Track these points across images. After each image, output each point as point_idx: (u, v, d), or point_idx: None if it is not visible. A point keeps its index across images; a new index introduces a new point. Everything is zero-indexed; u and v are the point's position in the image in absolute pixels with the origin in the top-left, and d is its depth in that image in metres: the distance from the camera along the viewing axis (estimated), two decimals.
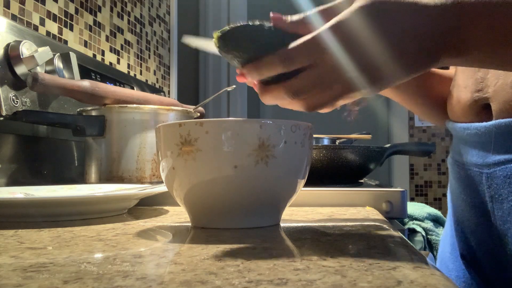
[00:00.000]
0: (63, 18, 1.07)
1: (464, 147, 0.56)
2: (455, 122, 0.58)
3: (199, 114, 0.87)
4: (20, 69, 0.78)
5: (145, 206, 0.63)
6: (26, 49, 0.79)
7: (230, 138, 0.39)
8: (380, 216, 0.51)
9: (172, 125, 0.41)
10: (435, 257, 1.35)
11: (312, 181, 0.53)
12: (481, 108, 0.52)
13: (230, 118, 0.41)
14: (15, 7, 0.90)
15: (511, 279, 0.50)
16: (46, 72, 0.86)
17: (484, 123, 0.51)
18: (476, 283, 0.56)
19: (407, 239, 0.38)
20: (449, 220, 0.65)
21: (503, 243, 0.50)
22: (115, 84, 1.09)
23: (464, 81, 0.55)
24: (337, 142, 1.11)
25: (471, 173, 0.54)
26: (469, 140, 0.55)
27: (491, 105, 0.50)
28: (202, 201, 0.41)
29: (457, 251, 0.60)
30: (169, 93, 1.76)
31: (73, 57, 0.90)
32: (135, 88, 1.22)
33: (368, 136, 1.14)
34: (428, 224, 1.55)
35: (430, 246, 1.52)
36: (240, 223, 0.42)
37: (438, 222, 1.64)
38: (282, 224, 0.44)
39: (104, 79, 1.06)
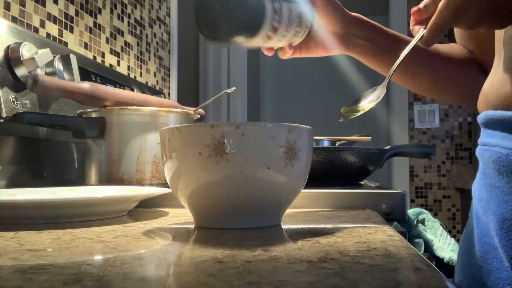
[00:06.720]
0: (63, 20, 1.07)
1: None
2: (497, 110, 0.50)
3: (199, 116, 0.87)
4: (20, 71, 0.78)
5: (145, 208, 0.62)
6: (26, 51, 0.79)
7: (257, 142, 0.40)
8: (380, 218, 0.51)
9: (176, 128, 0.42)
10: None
11: (312, 183, 0.53)
12: None
13: (233, 121, 0.42)
14: (15, 9, 0.90)
15: None
16: (46, 74, 0.86)
17: None
18: None
19: (407, 241, 0.37)
20: (477, 230, 0.53)
21: None
22: (115, 86, 1.09)
23: None
24: (337, 144, 1.10)
25: None
26: None
27: None
28: (207, 202, 0.42)
29: (505, 264, 0.47)
30: (169, 95, 1.76)
31: (73, 59, 0.90)
32: (135, 90, 1.22)
33: (368, 138, 1.14)
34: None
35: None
36: (243, 223, 0.43)
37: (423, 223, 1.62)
38: (282, 226, 0.45)
39: (104, 81, 1.06)
